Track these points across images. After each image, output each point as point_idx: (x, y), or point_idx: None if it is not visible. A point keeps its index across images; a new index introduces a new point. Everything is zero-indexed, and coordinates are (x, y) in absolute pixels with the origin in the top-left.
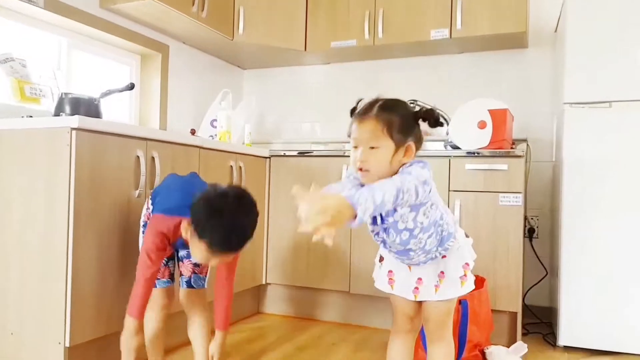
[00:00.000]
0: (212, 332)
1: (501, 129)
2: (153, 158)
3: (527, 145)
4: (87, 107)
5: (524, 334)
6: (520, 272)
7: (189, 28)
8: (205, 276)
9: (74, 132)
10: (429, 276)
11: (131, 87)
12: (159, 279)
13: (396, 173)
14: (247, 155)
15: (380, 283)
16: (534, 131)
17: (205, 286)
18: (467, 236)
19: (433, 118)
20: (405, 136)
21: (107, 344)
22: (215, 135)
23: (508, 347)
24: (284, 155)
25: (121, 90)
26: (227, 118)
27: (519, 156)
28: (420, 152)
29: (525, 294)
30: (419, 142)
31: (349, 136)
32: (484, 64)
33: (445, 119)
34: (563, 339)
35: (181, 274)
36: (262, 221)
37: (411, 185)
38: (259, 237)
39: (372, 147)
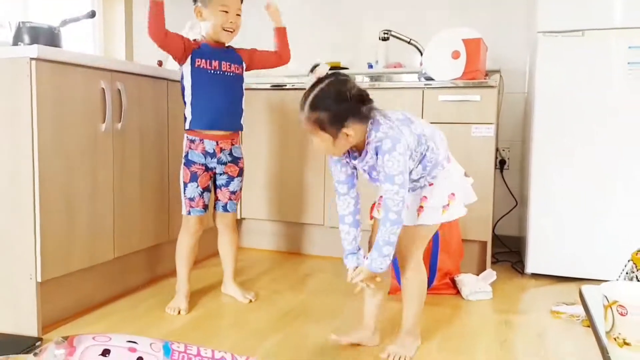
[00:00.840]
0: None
1: (475, 59)
2: (119, 90)
3: (500, 76)
4: (47, 37)
5: (493, 263)
6: (491, 203)
7: None
8: (237, 202)
9: (33, 62)
10: (413, 201)
11: (92, 14)
12: (193, 207)
13: (363, 141)
14: None
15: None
16: (507, 62)
17: (236, 210)
18: (466, 175)
19: (362, 101)
20: (339, 126)
21: (80, 280)
22: None
23: (478, 275)
24: (257, 89)
25: (81, 19)
26: None
27: (492, 87)
28: (395, 84)
29: (496, 224)
30: (361, 119)
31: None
32: None
33: (419, 50)
34: (530, 267)
35: (218, 200)
36: None
37: (399, 202)
38: None
39: (316, 138)
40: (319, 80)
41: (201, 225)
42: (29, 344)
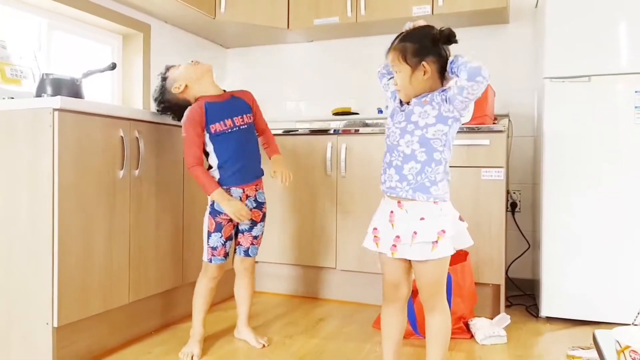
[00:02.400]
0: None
1: (483, 105)
2: (137, 138)
3: (509, 120)
4: (69, 88)
5: (507, 306)
6: (503, 246)
7: (170, 7)
8: (259, 246)
9: (56, 112)
10: (405, 234)
11: (113, 67)
12: (215, 256)
13: (429, 91)
14: None
15: (367, 241)
16: (515, 106)
17: (257, 255)
18: (461, 219)
19: (445, 37)
20: (420, 58)
21: (95, 324)
22: None
23: (492, 318)
24: None
25: (103, 71)
26: None
27: (501, 131)
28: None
29: (509, 267)
30: (440, 60)
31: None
32: (466, 40)
33: None
34: (545, 310)
35: (239, 244)
36: None
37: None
38: None
39: (397, 72)
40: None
41: (221, 271)
42: None
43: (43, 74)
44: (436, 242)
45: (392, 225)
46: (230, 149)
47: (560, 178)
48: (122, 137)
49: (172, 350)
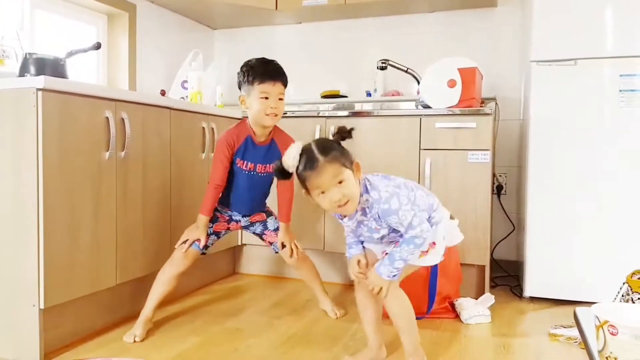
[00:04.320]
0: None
1: (470, 88)
2: (123, 119)
3: (496, 103)
4: (52, 68)
5: (492, 287)
6: (489, 228)
7: None
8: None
9: (39, 92)
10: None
11: (97, 46)
12: (196, 243)
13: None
14: (219, 117)
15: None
16: (502, 90)
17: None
18: (452, 218)
19: (346, 134)
20: (348, 158)
21: (82, 306)
22: (186, 96)
23: (476, 298)
24: None
25: (87, 50)
26: (198, 79)
27: (488, 114)
28: (393, 112)
29: (494, 249)
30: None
31: (309, 192)
32: (455, 23)
33: (416, 78)
34: (529, 291)
35: (272, 244)
36: None
37: (426, 235)
38: None
39: (340, 182)
40: (303, 150)
41: (187, 259)
42: None
43: (26, 54)
44: (426, 252)
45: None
46: (240, 184)
47: (546, 161)
48: (107, 118)
49: (161, 331)
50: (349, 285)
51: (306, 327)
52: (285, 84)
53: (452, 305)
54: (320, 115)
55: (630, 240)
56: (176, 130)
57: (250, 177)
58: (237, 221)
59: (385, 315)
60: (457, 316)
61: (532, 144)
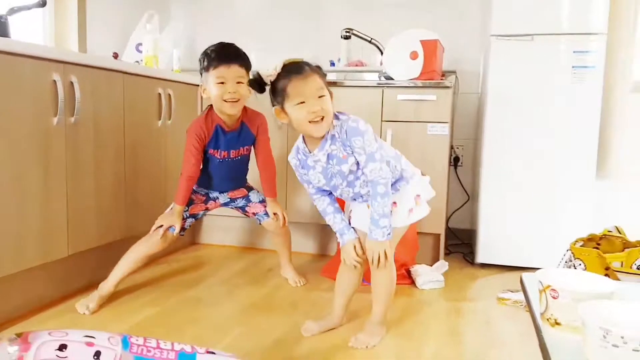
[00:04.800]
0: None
1: (432, 60)
2: (72, 83)
3: (456, 77)
4: None
5: (446, 254)
6: (445, 198)
7: None
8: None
9: None
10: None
11: (43, 3)
12: (172, 227)
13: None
14: (176, 83)
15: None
16: (463, 63)
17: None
18: (423, 174)
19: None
20: (326, 83)
21: (32, 277)
22: (141, 60)
23: (431, 265)
24: None
25: (30, 7)
26: (153, 42)
27: (448, 87)
28: (357, 83)
29: (449, 218)
30: None
31: (282, 107)
32: None
33: (380, 49)
34: (480, 257)
35: (255, 214)
36: None
37: (385, 176)
38: None
39: (320, 97)
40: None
41: (164, 242)
42: None
43: None
44: (412, 208)
45: (368, 206)
46: (215, 172)
47: (500, 134)
48: (54, 81)
49: (116, 303)
50: (310, 255)
51: (267, 295)
52: (244, 66)
53: (409, 272)
54: None
55: (575, 210)
56: (130, 96)
57: (226, 163)
58: (214, 199)
59: (368, 277)
60: (413, 282)
61: (487, 117)
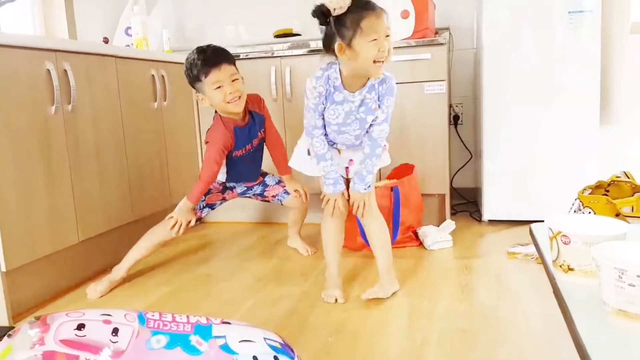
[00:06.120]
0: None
1: (424, 18)
2: (65, 71)
3: (450, 33)
4: None
5: (452, 214)
6: (447, 157)
7: None
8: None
9: None
10: (358, 157)
11: None
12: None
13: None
14: (169, 63)
15: (311, 169)
16: (456, 19)
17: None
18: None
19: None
20: None
21: (46, 266)
22: (132, 43)
23: (438, 226)
24: None
25: None
26: (142, 24)
27: (442, 44)
28: None
29: (453, 177)
30: None
31: (349, 42)
32: None
33: None
34: (487, 214)
35: (275, 196)
36: (193, 132)
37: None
38: (194, 145)
39: (387, 35)
40: None
41: (181, 232)
42: (1, 334)
43: None
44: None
45: (339, 152)
46: (238, 168)
47: (499, 89)
48: (48, 70)
49: (128, 285)
50: (316, 225)
51: (276, 266)
52: (232, 62)
53: (416, 234)
54: (275, 55)
55: (580, 158)
56: (124, 79)
57: (246, 157)
58: (232, 188)
59: (362, 246)
60: (421, 244)
61: (485, 72)
